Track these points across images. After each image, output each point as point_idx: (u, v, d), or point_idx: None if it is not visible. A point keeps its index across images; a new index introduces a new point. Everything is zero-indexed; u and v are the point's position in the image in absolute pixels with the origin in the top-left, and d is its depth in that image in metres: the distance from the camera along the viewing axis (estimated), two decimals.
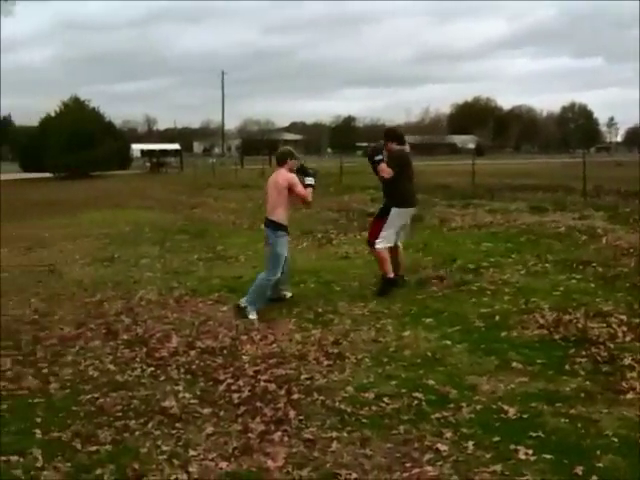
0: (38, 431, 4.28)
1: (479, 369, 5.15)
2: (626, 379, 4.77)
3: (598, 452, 3.73)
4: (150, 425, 4.35)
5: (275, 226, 7.00)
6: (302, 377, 5.11)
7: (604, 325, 5.95)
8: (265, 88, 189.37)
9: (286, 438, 4.09)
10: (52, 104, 50.75)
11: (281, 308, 7.15)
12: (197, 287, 8.45)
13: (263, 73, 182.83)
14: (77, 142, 44.52)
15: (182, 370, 5.40)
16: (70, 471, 3.76)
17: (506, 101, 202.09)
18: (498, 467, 3.62)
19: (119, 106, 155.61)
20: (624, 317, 6.11)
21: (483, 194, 17.87)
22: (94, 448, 4.03)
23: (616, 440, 3.87)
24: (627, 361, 5.10)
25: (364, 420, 4.30)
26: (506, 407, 4.38)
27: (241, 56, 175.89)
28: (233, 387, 4.96)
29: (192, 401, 4.73)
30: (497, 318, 6.42)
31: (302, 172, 7.27)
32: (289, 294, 7.47)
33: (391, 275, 7.49)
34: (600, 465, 3.60)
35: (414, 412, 4.41)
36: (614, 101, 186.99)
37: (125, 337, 6.37)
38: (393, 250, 7.68)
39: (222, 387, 4.97)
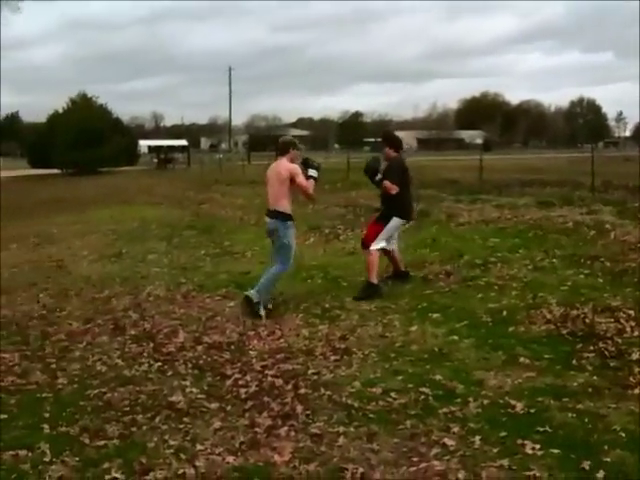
0: (46, 426, 4.30)
1: (486, 364, 5.14)
2: (634, 374, 4.75)
3: (605, 447, 3.72)
4: (157, 420, 4.37)
5: (283, 217, 6.81)
6: (309, 372, 5.11)
7: (612, 320, 5.92)
8: (273, 85, 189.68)
9: (293, 433, 4.10)
10: (60, 101, 50.98)
11: (288, 303, 7.15)
12: (204, 283, 8.46)
13: (271, 70, 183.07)
14: (85, 138, 44.62)
15: (189, 365, 5.41)
16: (78, 465, 3.78)
17: (515, 96, 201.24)
18: (505, 462, 3.61)
19: (127, 104, 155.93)
20: (632, 312, 6.08)
21: (491, 189, 17.80)
22: (102, 443, 4.05)
23: (624, 435, 3.86)
24: (635, 356, 5.08)
25: (371, 415, 4.31)
26: (513, 402, 4.37)
27: (249, 54, 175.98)
28: (240, 382, 4.97)
29: (199, 396, 4.75)
30: (504, 313, 6.40)
31: (306, 164, 7.14)
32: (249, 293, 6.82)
33: (375, 281, 7.36)
34: (607, 460, 3.59)
35: (421, 407, 4.40)
36: (623, 96, 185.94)
37: (133, 332, 6.39)
38: (391, 250, 7.75)
39: (229, 382, 4.99)
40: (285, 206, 6.83)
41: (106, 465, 3.76)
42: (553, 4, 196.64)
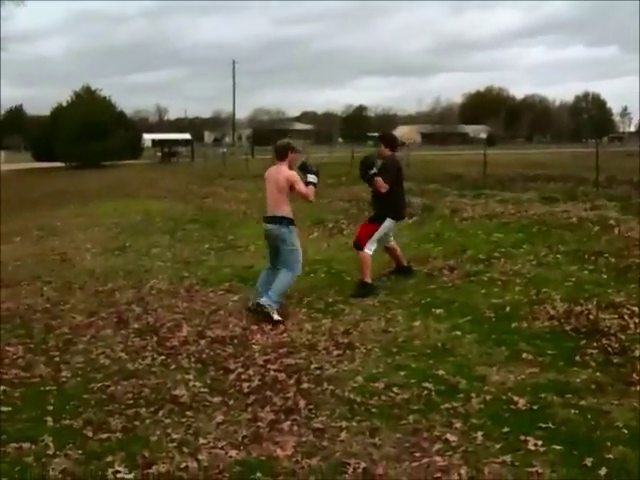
0: (50, 419, 4.32)
1: (489, 360, 5.14)
2: (637, 371, 4.74)
3: (608, 444, 3.72)
4: (160, 413, 4.38)
5: (286, 221, 6.62)
6: (312, 367, 5.12)
7: (615, 316, 5.91)
8: (276, 79, 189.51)
9: (295, 427, 4.10)
10: (64, 94, 51.05)
11: (291, 298, 7.15)
12: (208, 277, 8.47)
13: (275, 64, 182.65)
14: (88, 132, 44.66)
15: (192, 359, 5.42)
16: (81, 458, 3.80)
17: (520, 91, 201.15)
18: (507, 458, 3.62)
19: (131, 97, 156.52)
20: (636, 308, 6.06)
21: (494, 184, 17.76)
22: (105, 436, 4.06)
23: (626, 432, 3.86)
24: (638, 352, 5.07)
25: (373, 410, 4.31)
26: (516, 398, 4.37)
27: (253, 47, 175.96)
28: (243, 376, 4.98)
29: (202, 390, 4.76)
30: (508, 309, 6.39)
31: (304, 169, 6.90)
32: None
33: (368, 281, 7.29)
34: (610, 457, 3.59)
35: (423, 402, 4.41)
36: (628, 90, 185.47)
37: (136, 326, 6.40)
38: (390, 247, 7.76)
39: (232, 376, 5.00)
40: (286, 211, 6.65)
41: (109, 458, 3.77)
42: None
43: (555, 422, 4.01)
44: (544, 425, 3.97)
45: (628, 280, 7.14)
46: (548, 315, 6.12)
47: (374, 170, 7.33)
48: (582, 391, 4.47)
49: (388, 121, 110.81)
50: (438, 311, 6.46)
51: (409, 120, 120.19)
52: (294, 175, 6.66)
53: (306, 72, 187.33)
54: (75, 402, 4.60)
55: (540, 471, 3.48)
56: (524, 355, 5.18)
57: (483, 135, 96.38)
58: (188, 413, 4.37)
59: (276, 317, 6.32)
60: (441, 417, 4.17)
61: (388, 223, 7.41)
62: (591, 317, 5.93)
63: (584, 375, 4.75)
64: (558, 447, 3.70)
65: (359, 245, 7.42)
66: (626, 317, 5.86)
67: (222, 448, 3.87)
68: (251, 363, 5.26)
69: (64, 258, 10.23)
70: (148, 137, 64.44)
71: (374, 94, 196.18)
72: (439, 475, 3.50)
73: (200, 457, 3.77)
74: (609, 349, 5.19)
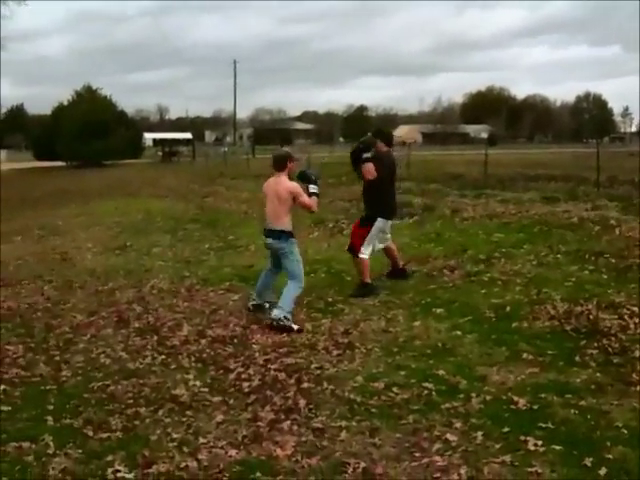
0: (50, 418, 4.32)
1: (489, 360, 5.15)
2: (637, 371, 4.75)
3: (608, 444, 3.72)
4: (160, 413, 4.38)
5: (286, 235, 6.45)
6: (312, 366, 5.12)
7: (615, 317, 5.92)
8: (277, 78, 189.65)
9: (295, 427, 4.11)
10: (66, 93, 51.10)
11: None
12: (208, 276, 8.47)
13: (276, 63, 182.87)
14: (89, 131, 44.68)
15: (193, 358, 5.42)
16: (81, 458, 3.80)
17: (522, 91, 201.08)
18: (507, 458, 3.62)
19: (133, 96, 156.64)
20: (636, 308, 6.07)
21: (495, 184, 17.76)
22: (105, 435, 4.07)
23: (626, 432, 3.86)
24: (638, 353, 5.07)
25: (373, 410, 4.31)
26: (516, 398, 4.37)
27: (255, 47, 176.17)
28: (243, 376, 4.98)
29: (202, 389, 4.76)
30: (508, 309, 6.40)
31: (305, 179, 6.70)
32: (267, 305, 6.74)
33: (368, 281, 7.23)
34: (610, 457, 3.59)
35: (424, 402, 4.41)
36: (630, 90, 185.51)
37: (136, 325, 6.40)
38: (387, 248, 7.65)
39: (232, 376, 5.00)
40: (286, 224, 6.47)
41: (109, 457, 3.77)
42: None
43: (555, 422, 4.02)
44: (544, 425, 3.97)
45: (628, 280, 7.15)
46: (548, 315, 6.12)
47: (369, 154, 7.07)
48: (582, 391, 4.47)
49: (389, 121, 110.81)
50: (438, 311, 6.46)
51: (410, 120, 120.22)
52: (297, 187, 6.49)
53: (307, 71, 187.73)
54: (75, 401, 4.60)
55: (540, 471, 3.49)
56: (524, 355, 5.18)
57: (484, 135, 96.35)
58: (188, 412, 4.37)
59: (295, 327, 6.11)
60: (441, 417, 4.18)
61: (379, 223, 7.26)
62: (591, 317, 5.93)
63: (584, 375, 4.75)
64: (558, 447, 3.71)
65: (354, 250, 7.33)
66: (626, 317, 5.87)
67: (222, 447, 3.87)
68: (251, 363, 5.26)
69: (65, 257, 10.24)
70: (149, 136, 64.50)
71: (375, 94, 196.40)
72: (439, 475, 3.50)
73: (200, 456, 3.77)
74: (609, 349, 5.19)
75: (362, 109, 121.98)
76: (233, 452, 3.81)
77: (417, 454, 3.72)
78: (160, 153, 55.08)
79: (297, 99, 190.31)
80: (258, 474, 3.57)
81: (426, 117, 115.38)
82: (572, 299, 6.51)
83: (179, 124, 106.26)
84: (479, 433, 3.91)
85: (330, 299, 7.05)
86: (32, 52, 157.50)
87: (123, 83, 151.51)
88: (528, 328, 5.86)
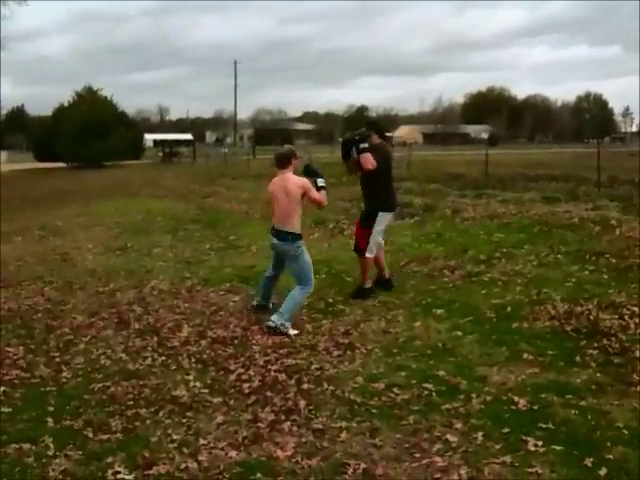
0: (50, 419, 4.32)
1: (490, 360, 5.14)
2: (637, 371, 4.74)
3: (608, 444, 3.72)
4: (161, 414, 4.38)
5: (294, 237, 6.27)
6: (312, 367, 5.12)
7: (616, 317, 5.91)
8: (278, 78, 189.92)
9: (295, 428, 4.11)
10: (67, 94, 51.15)
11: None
12: (209, 277, 8.47)
13: (277, 63, 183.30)
14: (90, 132, 44.69)
15: (193, 359, 5.42)
16: (81, 459, 3.80)
17: (522, 91, 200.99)
18: (507, 458, 3.62)
19: (133, 96, 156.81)
20: (636, 309, 6.06)
21: (496, 184, 17.77)
22: (105, 436, 4.06)
23: (626, 432, 3.86)
24: (638, 353, 5.07)
25: (374, 410, 4.31)
26: (516, 398, 4.37)
27: (256, 47, 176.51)
28: (243, 377, 4.98)
29: (203, 390, 4.76)
30: (508, 309, 6.39)
31: (311, 174, 6.55)
32: (271, 305, 6.68)
33: (369, 285, 7.17)
34: (610, 457, 3.58)
35: (424, 403, 4.41)
36: (631, 90, 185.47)
37: (137, 326, 6.40)
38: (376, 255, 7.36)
39: (232, 377, 5.00)
40: (295, 225, 6.28)
41: (109, 459, 3.77)
42: None
43: (555, 422, 4.01)
44: (544, 425, 3.97)
45: (629, 280, 7.14)
46: (549, 315, 6.12)
47: (366, 145, 6.85)
48: (582, 391, 4.47)
49: (390, 121, 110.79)
50: (439, 311, 6.46)
51: (410, 120, 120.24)
52: (306, 182, 6.31)
53: (307, 71, 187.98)
54: (75, 403, 4.60)
55: (540, 471, 3.48)
56: (525, 355, 5.18)
57: (485, 135, 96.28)
58: (188, 414, 4.37)
59: (292, 332, 5.99)
60: (441, 417, 4.17)
61: (381, 217, 7.08)
62: (592, 317, 5.92)
63: (584, 375, 4.75)
64: (558, 447, 3.70)
65: (360, 250, 7.20)
66: (626, 317, 5.86)
67: (222, 449, 3.87)
68: (251, 363, 5.26)
69: (65, 258, 10.24)
70: (150, 137, 64.56)
71: (375, 94, 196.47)
72: (439, 475, 3.50)
73: (200, 458, 3.77)
74: (609, 349, 5.19)
75: (362, 109, 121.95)
76: (233, 453, 3.81)
77: (417, 455, 3.72)
78: (161, 154, 55.14)
79: (297, 99, 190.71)
80: (258, 475, 3.57)
81: (426, 117, 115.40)
82: (572, 299, 6.51)
83: (180, 125, 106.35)
84: (479, 433, 3.91)
85: (330, 300, 7.05)
86: (33, 52, 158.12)
87: (124, 83, 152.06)
88: (528, 328, 5.85)
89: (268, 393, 4.64)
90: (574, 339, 5.51)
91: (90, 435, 4.08)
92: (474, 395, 4.47)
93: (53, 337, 6.15)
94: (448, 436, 3.90)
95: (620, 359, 5.00)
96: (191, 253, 10.27)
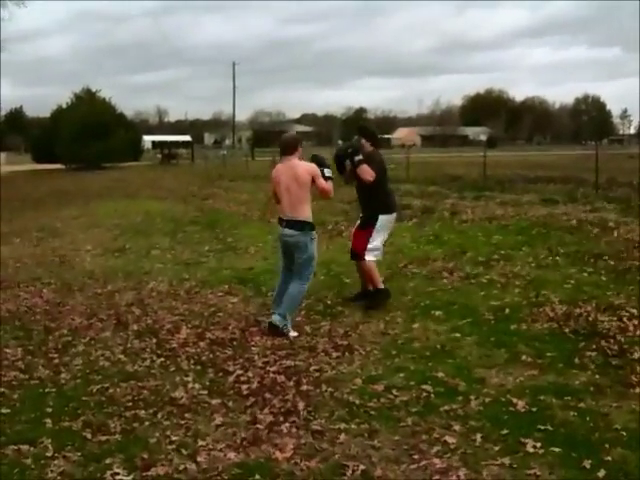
0: (49, 420, 4.31)
1: (488, 362, 5.14)
2: (636, 373, 4.74)
3: (607, 446, 3.72)
4: (160, 415, 4.37)
5: (308, 227, 6.01)
6: (311, 369, 5.12)
7: (615, 318, 5.92)
8: (278, 79, 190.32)
9: (294, 429, 4.10)
10: (65, 95, 51.12)
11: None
12: (207, 278, 8.47)
13: (277, 64, 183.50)
14: (89, 133, 44.58)
15: (192, 361, 5.42)
16: (80, 460, 3.79)
17: (523, 92, 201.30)
18: (506, 460, 3.61)
19: (132, 97, 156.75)
20: (635, 310, 6.07)
21: (494, 186, 17.80)
22: (104, 438, 4.06)
23: (625, 434, 3.86)
24: (637, 355, 5.07)
25: (372, 412, 4.31)
26: (515, 400, 4.37)
27: (256, 47, 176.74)
28: (242, 378, 4.97)
29: (201, 392, 4.75)
30: (507, 311, 6.40)
31: (319, 163, 6.23)
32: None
33: (382, 285, 6.78)
34: (609, 459, 3.58)
35: (423, 404, 4.41)
36: (630, 92, 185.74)
37: (135, 328, 6.39)
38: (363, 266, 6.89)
39: (231, 378, 4.99)
40: (307, 214, 6.01)
41: (108, 460, 3.76)
42: None
43: (554, 424, 4.01)
44: (543, 427, 3.97)
45: (627, 282, 7.15)
46: (547, 317, 6.12)
47: (360, 157, 6.63)
48: (581, 393, 4.47)
49: (388, 123, 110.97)
50: (437, 313, 6.46)
51: (409, 122, 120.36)
52: (316, 168, 6.04)
53: (307, 72, 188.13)
54: (74, 404, 4.59)
55: (539, 473, 3.48)
56: (523, 357, 5.18)
57: (483, 137, 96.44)
58: (187, 415, 4.36)
59: (292, 334, 5.91)
60: (440, 419, 4.17)
61: (382, 220, 6.75)
62: (590, 319, 5.93)
63: (583, 377, 4.75)
64: (557, 449, 3.70)
65: (357, 255, 6.84)
66: (625, 319, 5.87)
67: (221, 450, 3.87)
68: (250, 365, 5.26)
69: (64, 259, 10.23)
70: (148, 139, 64.56)
71: (375, 95, 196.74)
72: (438, 477, 3.50)
73: (199, 459, 3.77)
74: (608, 351, 5.19)
75: (361, 111, 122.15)
76: (232, 454, 3.81)
77: (416, 456, 3.71)
78: (159, 155, 55.18)
79: (296, 100, 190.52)
80: (257, 476, 3.56)
81: (425, 119, 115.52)
82: (571, 301, 6.52)
83: (178, 126, 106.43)
84: (478, 435, 3.91)
85: (329, 302, 7.05)
86: (33, 53, 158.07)
87: (124, 84, 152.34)
88: (527, 330, 5.86)
89: (267, 394, 4.64)
90: (573, 341, 5.51)
91: (89, 436, 4.08)
92: (473, 397, 4.47)
93: (52, 338, 6.14)
94: (447, 438, 3.90)
95: (619, 361, 5.00)
96: (190, 255, 10.28)
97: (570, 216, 11.42)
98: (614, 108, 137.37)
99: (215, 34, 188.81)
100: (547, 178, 20.13)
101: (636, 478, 3.43)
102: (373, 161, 6.73)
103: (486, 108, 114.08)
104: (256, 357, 5.44)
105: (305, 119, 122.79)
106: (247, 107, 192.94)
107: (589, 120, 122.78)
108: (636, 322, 5.78)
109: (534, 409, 4.24)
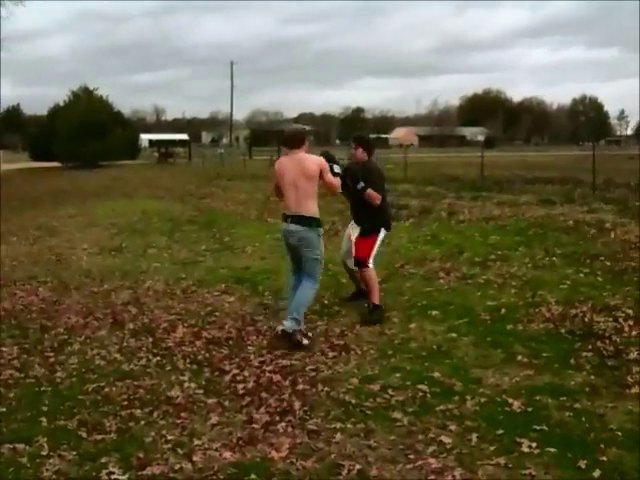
0: (44, 419, 4.31)
1: (484, 362, 5.15)
2: (632, 373, 4.75)
3: (602, 446, 3.72)
4: (155, 414, 4.37)
5: (313, 222, 5.78)
6: (307, 368, 5.12)
7: (611, 319, 5.93)
8: (278, 79, 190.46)
9: (290, 429, 4.10)
10: (63, 94, 51.04)
11: (286, 300, 7.13)
12: (204, 278, 8.46)
13: (277, 64, 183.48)
14: (86, 132, 44.51)
15: (188, 360, 5.41)
16: (75, 459, 3.79)
17: (522, 92, 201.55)
18: (501, 460, 3.62)
19: (130, 96, 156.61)
20: (631, 311, 6.08)
21: (492, 186, 17.81)
22: (99, 437, 4.05)
23: (621, 434, 3.86)
24: (633, 355, 5.08)
25: (368, 412, 4.31)
26: (511, 400, 4.37)
27: (256, 47, 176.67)
28: (238, 377, 4.97)
29: (197, 391, 4.75)
30: (503, 311, 6.40)
31: (328, 159, 6.00)
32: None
33: (378, 302, 6.50)
34: (604, 459, 3.59)
35: (419, 404, 4.41)
36: (630, 92, 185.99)
37: (132, 327, 6.39)
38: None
39: (227, 377, 4.99)
40: (314, 209, 5.78)
41: (104, 459, 3.76)
42: None
43: (550, 424, 4.02)
44: (538, 427, 3.97)
45: (624, 283, 7.16)
46: (544, 317, 6.13)
47: (361, 184, 6.46)
48: (577, 393, 4.47)
49: (386, 123, 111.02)
50: (434, 313, 6.46)
51: (406, 122, 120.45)
52: (324, 161, 5.83)
53: (307, 72, 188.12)
54: (70, 403, 4.59)
55: (534, 473, 3.49)
56: (519, 357, 5.19)
57: (481, 137, 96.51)
58: (183, 414, 4.36)
59: (305, 342, 5.64)
60: (436, 419, 4.17)
61: (382, 235, 6.68)
62: (586, 320, 5.94)
63: (579, 377, 4.75)
64: (552, 449, 3.71)
65: (362, 262, 6.57)
66: (621, 320, 5.88)
67: (217, 449, 3.86)
68: (246, 364, 5.26)
69: (60, 258, 10.22)
70: (145, 137, 64.48)
71: (374, 95, 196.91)
72: (433, 477, 3.50)
73: (195, 458, 3.76)
74: (604, 352, 5.20)
75: (359, 111, 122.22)
76: (228, 454, 3.80)
77: (412, 456, 3.72)
78: (156, 154, 55.11)
79: (295, 99, 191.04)
80: (253, 476, 3.56)
81: (423, 119, 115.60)
82: (567, 302, 6.52)
83: (176, 125, 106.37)
84: (474, 435, 3.91)
85: (326, 301, 7.05)
86: (33, 52, 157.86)
87: (124, 84, 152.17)
88: (523, 330, 5.86)
89: (263, 394, 4.64)
90: (569, 341, 5.52)
91: (84, 435, 4.07)
92: (469, 397, 4.47)
93: (48, 337, 6.13)
94: (442, 437, 3.90)
95: (614, 361, 5.01)
96: (187, 254, 10.27)
97: (567, 217, 11.42)
98: (612, 109, 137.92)
99: (215, 34, 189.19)
100: (545, 179, 20.15)
101: (631, 478, 3.43)
102: (376, 178, 6.57)
103: (484, 108, 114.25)
104: (252, 356, 5.44)
105: (303, 118, 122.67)
106: (244, 107, 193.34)
107: (586, 121, 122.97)
108: (632, 323, 5.79)
109: (530, 409, 4.25)
